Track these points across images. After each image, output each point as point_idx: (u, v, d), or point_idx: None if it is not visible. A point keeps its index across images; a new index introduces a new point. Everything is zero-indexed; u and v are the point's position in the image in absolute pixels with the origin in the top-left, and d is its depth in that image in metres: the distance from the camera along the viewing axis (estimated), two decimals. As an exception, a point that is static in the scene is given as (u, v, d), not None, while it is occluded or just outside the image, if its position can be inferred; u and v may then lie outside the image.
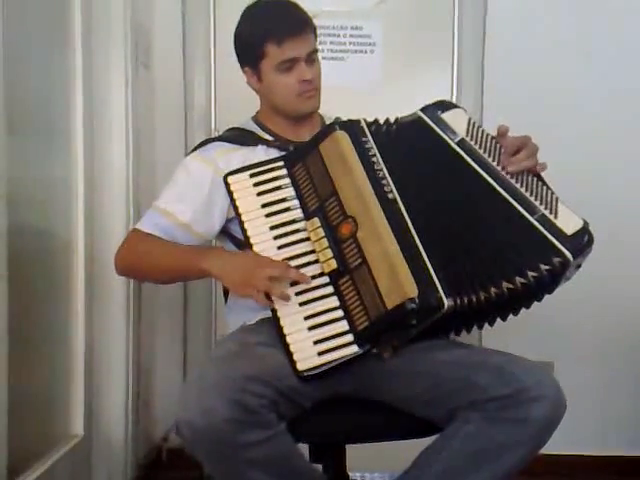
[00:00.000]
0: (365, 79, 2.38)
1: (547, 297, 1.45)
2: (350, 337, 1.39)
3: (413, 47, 2.39)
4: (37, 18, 1.80)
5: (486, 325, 1.52)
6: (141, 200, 2.13)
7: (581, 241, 1.39)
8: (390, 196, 1.44)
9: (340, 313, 1.41)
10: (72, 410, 1.96)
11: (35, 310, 1.79)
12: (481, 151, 1.47)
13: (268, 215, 1.50)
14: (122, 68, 2.06)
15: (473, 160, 1.45)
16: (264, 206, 1.51)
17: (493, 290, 1.38)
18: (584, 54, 2.35)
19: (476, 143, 1.48)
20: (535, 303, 1.46)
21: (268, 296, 1.40)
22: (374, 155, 1.49)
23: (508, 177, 1.44)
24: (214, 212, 1.59)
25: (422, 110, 1.54)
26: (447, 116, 1.52)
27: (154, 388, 2.37)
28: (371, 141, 1.51)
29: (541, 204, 1.42)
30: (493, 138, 1.50)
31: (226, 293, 1.72)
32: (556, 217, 1.40)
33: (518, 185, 1.44)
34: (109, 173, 2.06)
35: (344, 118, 1.58)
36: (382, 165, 1.47)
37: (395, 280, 1.35)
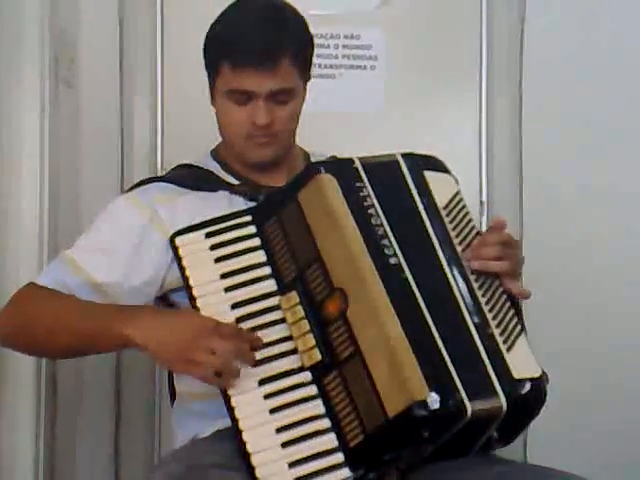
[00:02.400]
0: (363, 103, 2.40)
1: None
2: (340, 457, 1.38)
3: (427, 61, 2.41)
4: None
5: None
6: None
7: (529, 392, 1.38)
8: (392, 261, 1.44)
9: (326, 423, 1.40)
10: None
11: None
12: (453, 233, 1.50)
13: (229, 289, 1.50)
14: (36, 86, 2.07)
15: (436, 236, 1.49)
16: (224, 276, 1.51)
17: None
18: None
19: (451, 222, 1.52)
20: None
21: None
22: (371, 206, 1.49)
23: (469, 272, 1.47)
24: (144, 276, 1.57)
25: (404, 155, 1.56)
26: (431, 176, 1.56)
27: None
28: (368, 187, 1.51)
29: (497, 325, 1.43)
30: (474, 227, 1.54)
31: (173, 391, 1.70)
32: (509, 350, 1.42)
33: (477, 287, 1.46)
34: (15, 225, 2.07)
35: (339, 156, 1.62)
36: (383, 219, 1.48)
37: (399, 376, 1.34)
